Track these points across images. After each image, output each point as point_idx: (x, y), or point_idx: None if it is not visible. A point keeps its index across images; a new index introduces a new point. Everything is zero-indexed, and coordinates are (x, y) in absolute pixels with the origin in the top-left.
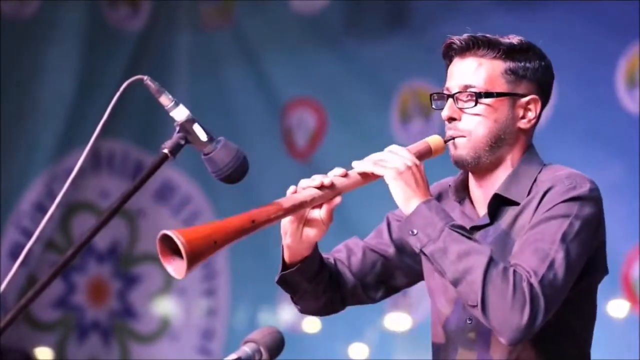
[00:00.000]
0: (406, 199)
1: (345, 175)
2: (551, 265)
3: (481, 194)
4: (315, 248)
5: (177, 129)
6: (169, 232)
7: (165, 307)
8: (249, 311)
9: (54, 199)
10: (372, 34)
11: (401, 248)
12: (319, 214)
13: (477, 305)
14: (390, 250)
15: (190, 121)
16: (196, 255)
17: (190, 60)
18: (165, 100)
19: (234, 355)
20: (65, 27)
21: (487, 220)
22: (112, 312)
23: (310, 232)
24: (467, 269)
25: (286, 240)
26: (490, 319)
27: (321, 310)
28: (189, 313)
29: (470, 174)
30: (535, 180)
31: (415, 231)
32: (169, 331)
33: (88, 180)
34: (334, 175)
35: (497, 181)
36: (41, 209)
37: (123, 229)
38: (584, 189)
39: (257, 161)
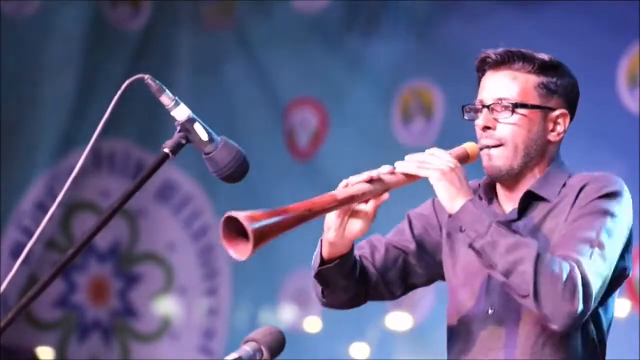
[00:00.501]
0: (451, 198)
1: (392, 173)
2: (595, 256)
3: (509, 197)
4: (352, 245)
5: (178, 128)
6: (235, 214)
7: (166, 306)
8: (250, 310)
9: (55, 198)
10: (373, 34)
11: (422, 245)
12: (364, 210)
13: (528, 295)
14: (412, 246)
15: (191, 120)
16: (261, 237)
17: (191, 59)
18: (166, 99)
19: (235, 355)
20: (66, 26)
21: (515, 216)
22: (112, 312)
23: (353, 229)
24: (518, 260)
25: (329, 235)
26: (543, 308)
27: (345, 303)
28: (190, 312)
29: (500, 183)
30: (564, 184)
31: (463, 228)
32: (170, 330)
33: (89, 179)
34: (382, 173)
35: (525, 187)
36: (42, 208)
37: (124, 228)
38: (617, 186)
39: (258, 161)
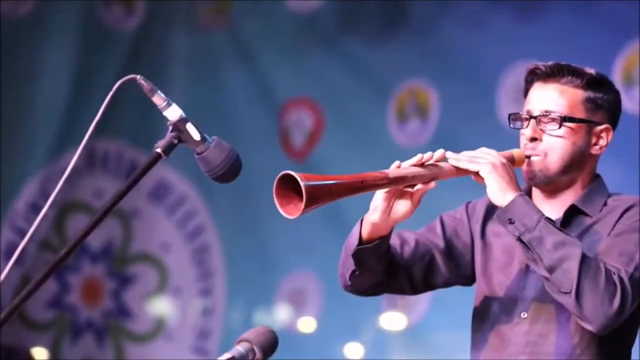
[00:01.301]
0: (502, 191)
1: (445, 161)
2: (636, 268)
3: (548, 207)
4: (392, 230)
5: (170, 128)
6: (291, 172)
7: (161, 306)
8: (244, 311)
9: (49, 199)
10: (369, 34)
11: (451, 246)
12: (410, 194)
13: (570, 292)
14: (441, 245)
15: (183, 120)
16: (314, 198)
17: (186, 60)
18: (158, 99)
19: (228, 355)
20: (60, 26)
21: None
22: (106, 312)
23: (397, 213)
24: (563, 258)
25: (374, 216)
26: (583, 306)
27: (369, 290)
28: (185, 313)
29: (537, 191)
30: (605, 204)
31: (513, 220)
32: (164, 331)
33: (82, 180)
34: (435, 160)
35: (565, 199)
36: (36, 209)
37: (117, 229)
38: None
39: (253, 161)
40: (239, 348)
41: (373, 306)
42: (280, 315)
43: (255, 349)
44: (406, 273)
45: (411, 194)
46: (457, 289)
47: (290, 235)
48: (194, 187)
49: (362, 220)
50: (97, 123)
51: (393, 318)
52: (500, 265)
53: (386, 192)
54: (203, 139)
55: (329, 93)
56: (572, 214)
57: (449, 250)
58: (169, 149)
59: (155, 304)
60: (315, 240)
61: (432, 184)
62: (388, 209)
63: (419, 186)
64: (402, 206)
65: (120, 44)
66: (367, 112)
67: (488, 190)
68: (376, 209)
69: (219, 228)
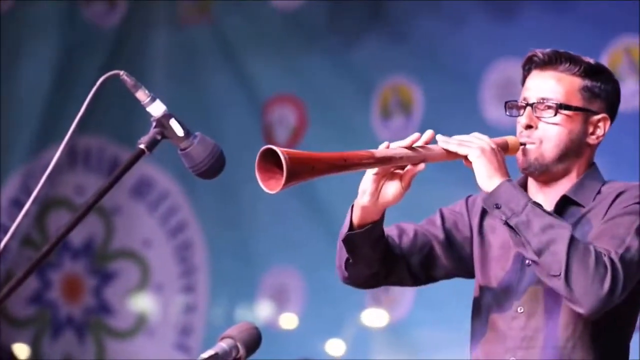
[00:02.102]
0: (489, 176)
1: (434, 143)
2: (628, 249)
3: (542, 198)
4: (383, 214)
5: (154, 124)
6: (273, 147)
7: (142, 303)
8: (227, 307)
9: (31, 195)
10: (352, 30)
11: (450, 238)
12: (399, 177)
13: (559, 275)
14: (441, 237)
15: (167, 116)
16: (295, 173)
17: (168, 56)
18: (142, 95)
19: (211, 352)
20: (41, 23)
21: None
22: (87, 309)
23: (387, 195)
24: (551, 240)
25: (363, 199)
26: (572, 288)
27: (366, 281)
28: (166, 309)
29: (532, 179)
30: (599, 192)
31: (499, 205)
32: (146, 327)
33: (64, 176)
34: (424, 142)
35: (560, 188)
36: (18, 205)
37: (98, 225)
38: None
39: (236, 158)
40: (222, 345)
41: (356, 303)
42: (262, 311)
43: (239, 345)
44: (405, 263)
45: (400, 176)
46: (441, 286)
47: (273, 232)
48: (176, 183)
49: (352, 207)
50: (80, 119)
51: (375, 315)
52: (497, 259)
53: (374, 174)
54: (187, 135)
55: (313, 90)
56: (565, 204)
57: (449, 242)
58: (152, 144)
59: (136, 300)
60: (299, 236)
61: (422, 166)
62: (377, 191)
63: (408, 167)
64: (391, 188)
65: (102, 41)
66: (350, 108)
67: (476, 174)
68: (365, 191)
69: (202, 224)
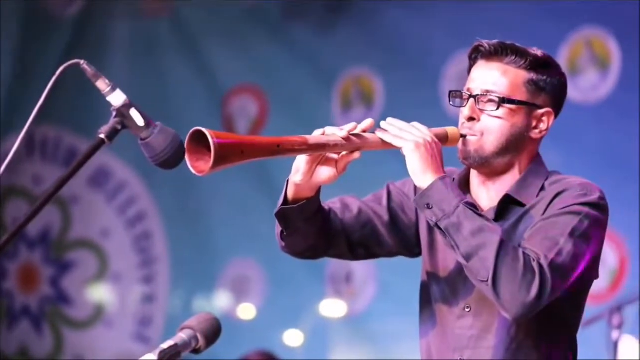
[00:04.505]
0: (422, 172)
1: (372, 132)
2: (560, 252)
3: (485, 193)
4: (318, 191)
5: (114, 113)
6: (202, 129)
7: (100, 293)
8: (187, 298)
9: None
10: (313, 21)
11: (395, 220)
12: (335, 162)
13: (487, 281)
14: (385, 217)
15: (127, 106)
16: (224, 156)
17: (128, 47)
18: (102, 84)
19: (171, 342)
20: (0, 12)
21: (492, 218)
22: (43, 298)
23: (321, 177)
24: (480, 245)
25: (296, 177)
26: (499, 294)
27: (304, 252)
28: (125, 299)
29: (475, 173)
30: (542, 187)
31: (431, 205)
32: (104, 318)
33: (21, 165)
34: (361, 130)
35: (503, 184)
36: None
37: (55, 215)
38: (594, 196)
39: None
40: (182, 335)
41: (316, 293)
42: (221, 302)
43: (199, 336)
44: (345, 239)
45: (335, 161)
46: (403, 278)
47: (234, 223)
48: (135, 174)
49: (288, 181)
50: (40, 109)
51: (334, 305)
52: (444, 249)
53: (308, 156)
54: (147, 125)
55: (274, 80)
56: (508, 202)
57: (394, 222)
58: (112, 134)
59: (94, 290)
60: (259, 228)
61: (357, 154)
62: (310, 172)
63: (343, 154)
64: (325, 171)
65: (61, 30)
66: (311, 99)
67: (408, 169)
68: (298, 170)
69: (162, 215)
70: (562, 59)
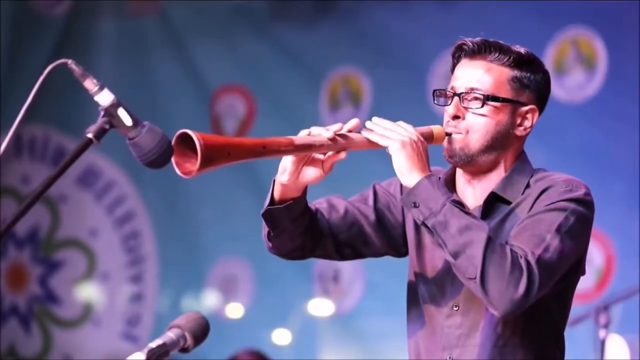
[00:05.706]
0: (408, 171)
1: (358, 132)
2: (546, 249)
3: (470, 191)
4: (304, 191)
5: (102, 113)
6: (188, 131)
7: (88, 292)
8: (175, 297)
9: None
10: (301, 20)
11: (381, 220)
12: (321, 162)
13: (475, 278)
14: (372, 218)
15: (115, 105)
16: (210, 158)
17: (115, 46)
18: (90, 84)
19: (159, 341)
20: None
21: (478, 216)
22: (32, 298)
23: (307, 177)
24: (468, 243)
25: (283, 177)
26: (488, 292)
27: (291, 252)
28: (113, 299)
29: (460, 172)
30: (528, 185)
31: (417, 204)
32: (92, 317)
33: (10, 165)
34: (347, 130)
35: (489, 182)
36: None
37: (43, 214)
38: (580, 192)
39: None
40: (170, 334)
41: (304, 292)
42: (210, 301)
43: (187, 335)
44: (332, 239)
45: (321, 161)
46: (391, 277)
47: (222, 222)
48: (123, 173)
49: (274, 181)
50: (27, 108)
51: (322, 304)
52: (432, 248)
53: (294, 156)
54: (135, 124)
55: (261, 80)
56: (493, 200)
57: (380, 222)
58: (100, 134)
59: (83, 289)
60: (247, 227)
61: (343, 154)
62: (296, 172)
63: (329, 154)
64: (311, 172)
65: (49, 29)
66: (299, 98)
67: (395, 168)
68: (285, 170)
69: (150, 214)
70: (549, 59)
